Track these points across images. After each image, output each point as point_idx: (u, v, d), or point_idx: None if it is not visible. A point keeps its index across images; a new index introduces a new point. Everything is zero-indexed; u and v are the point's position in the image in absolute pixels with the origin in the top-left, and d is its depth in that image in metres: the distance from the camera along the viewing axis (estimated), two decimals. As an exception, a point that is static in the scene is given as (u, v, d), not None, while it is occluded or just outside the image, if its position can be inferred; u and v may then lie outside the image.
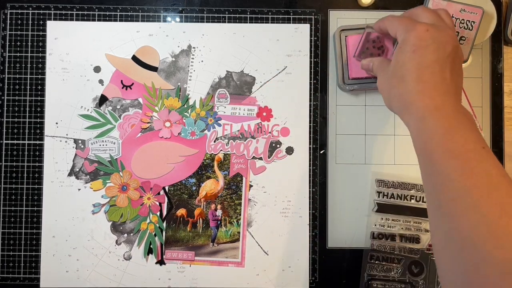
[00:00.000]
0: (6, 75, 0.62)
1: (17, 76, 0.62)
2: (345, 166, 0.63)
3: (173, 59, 0.63)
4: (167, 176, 0.62)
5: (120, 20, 0.63)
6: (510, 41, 0.63)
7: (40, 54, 0.62)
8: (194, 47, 0.63)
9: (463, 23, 0.60)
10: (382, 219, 0.62)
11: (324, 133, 0.63)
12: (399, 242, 0.62)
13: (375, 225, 0.62)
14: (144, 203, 0.62)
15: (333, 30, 0.63)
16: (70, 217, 0.62)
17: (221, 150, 0.62)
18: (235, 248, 0.62)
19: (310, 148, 0.63)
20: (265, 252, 0.62)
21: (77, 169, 0.62)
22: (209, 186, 0.62)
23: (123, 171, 0.62)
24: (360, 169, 0.62)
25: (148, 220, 0.62)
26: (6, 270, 0.61)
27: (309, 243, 0.62)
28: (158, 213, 0.62)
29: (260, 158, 0.62)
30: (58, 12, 0.63)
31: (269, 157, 0.62)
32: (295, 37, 0.63)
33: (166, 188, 0.62)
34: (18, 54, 0.62)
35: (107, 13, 0.63)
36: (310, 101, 0.63)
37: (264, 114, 0.63)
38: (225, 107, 0.63)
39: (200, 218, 0.62)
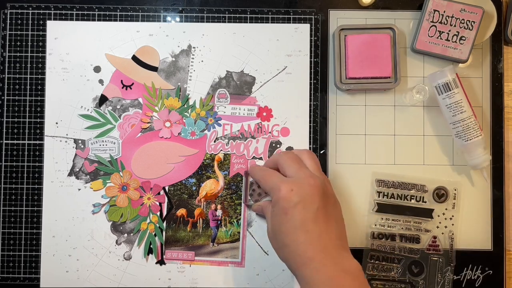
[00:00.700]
0: (6, 75, 0.62)
1: (17, 76, 0.62)
2: (345, 166, 0.63)
3: (173, 59, 0.63)
4: (167, 176, 0.62)
5: (120, 20, 0.63)
6: (510, 41, 0.62)
7: (40, 54, 0.62)
8: (194, 47, 0.63)
9: (463, 23, 0.60)
10: (382, 219, 0.62)
11: (324, 133, 0.63)
12: (399, 242, 0.62)
13: (375, 225, 0.62)
14: (144, 203, 0.62)
15: (333, 30, 0.63)
16: (70, 217, 0.62)
17: (221, 150, 0.62)
18: (235, 248, 0.62)
19: (310, 148, 0.63)
20: (265, 252, 0.62)
21: (77, 169, 0.62)
22: (209, 186, 0.62)
23: (123, 171, 0.62)
24: (360, 169, 0.62)
25: (148, 220, 0.62)
26: (6, 270, 0.61)
27: (309, 243, 0.62)
28: (158, 213, 0.62)
29: (260, 158, 0.62)
30: (58, 12, 0.63)
31: (269, 157, 0.62)
32: (295, 37, 0.63)
33: (166, 188, 0.62)
34: (18, 54, 0.62)
35: (107, 13, 0.63)
36: (310, 101, 0.63)
37: (264, 114, 0.63)
38: (225, 107, 0.63)
39: (200, 218, 0.62)
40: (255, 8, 0.63)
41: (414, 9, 0.63)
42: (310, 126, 0.63)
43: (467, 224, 0.62)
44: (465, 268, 0.62)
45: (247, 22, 0.63)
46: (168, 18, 0.63)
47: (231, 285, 0.62)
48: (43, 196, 0.62)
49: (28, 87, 0.62)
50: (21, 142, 0.62)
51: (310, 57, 0.63)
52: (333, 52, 0.62)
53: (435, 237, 0.62)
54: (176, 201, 0.62)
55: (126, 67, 0.63)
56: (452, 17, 0.60)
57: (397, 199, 0.62)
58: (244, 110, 0.63)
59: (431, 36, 0.61)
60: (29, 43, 0.62)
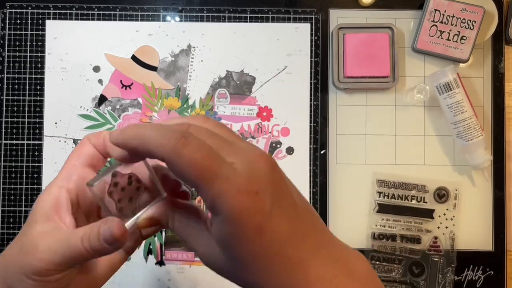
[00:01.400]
0: (5, 74, 0.62)
1: (16, 76, 0.62)
2: (345, 166, 0.62)
3: (173, 58, 0.63)
4: (166, 176, 0.62)
5: (120, 20, 0.63)
6: (511, 40, 0.62)
7: (39, 54, 0.62)
8: (194, 47, 0.63)
9: (464, 23, 0.60)
10: (382, 219, 0.62)
11: (324, 133, 0.62)
12: (400, 243, 0.61)
13: (376, 225, 0.62)
14: (143, 203, 0.62)
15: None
16: (70, 217, 0.61)
17: (221, 150, 0.62)
18: (235, 249, 0.62)
19: (310, 148, 0.62)
20: (265, 252, 0.62)
21: (77, 169, 0.62)
22: (209, 186, 0.62)
23: (122, 171, 0.62)
24: (360, 169, 0.62)
25: (147, 221, 0.62)
26: (5, 270, 0.61)
27: (310, 244, 0.62)
28: (158, 214, 0.62)
29: (260, 158, 0.62)
30: (57, 11, 0.62)
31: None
32: (295, 36, 0.63)
33: (166, 188, 0.62)
34: (17, 54, 0.62)
35: (107, 12, 0.63)
36: (310, 101, 0.63)
37: (264, 114, 0.62)
38: (225, 107, 0.62)
39: (200, 219, 0.62)
40: (255, 7, 0.63)
41: (414, 9, 0.63)
42: (310, 126, 0.62)
43: (468, 225, 0.62)
44: (466, 269, 0.61)
45: (247, 22, 0.63)
46: (168, 18, 0.63)
47: (231, 285, 0.61)
48: (42, 196, 0.61)
49: (27, 87, 0.62)
50: (20, 142, 0.62)
51: (311, 57, 0.63)
52: (332, 51, 0.62)
53: (436, 238, 0.61)
54: (176, 201, 0.62)
55: (125, 67, 0.62)
56: (453, 16, 0.60)
57: (397, 199, 0.62)
58: (244, 110, 0.62)
59: (432, 36, 0.60)
60: (28, 43, 0.62)
